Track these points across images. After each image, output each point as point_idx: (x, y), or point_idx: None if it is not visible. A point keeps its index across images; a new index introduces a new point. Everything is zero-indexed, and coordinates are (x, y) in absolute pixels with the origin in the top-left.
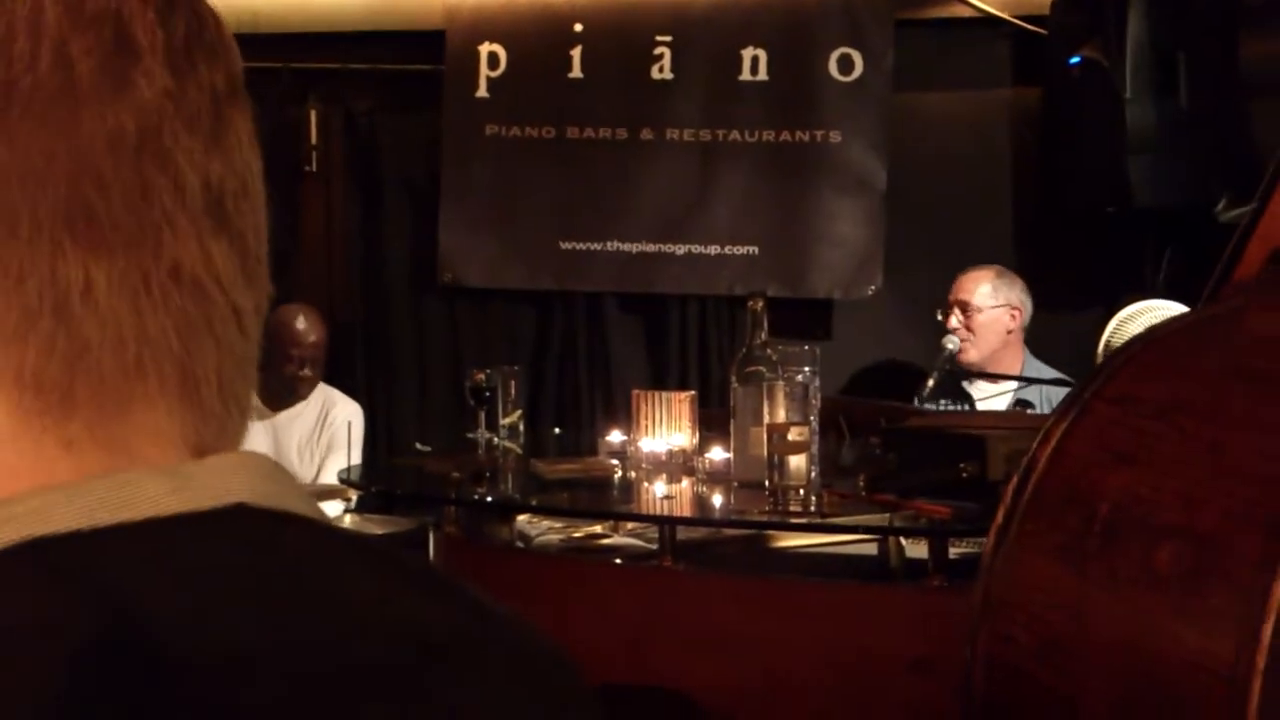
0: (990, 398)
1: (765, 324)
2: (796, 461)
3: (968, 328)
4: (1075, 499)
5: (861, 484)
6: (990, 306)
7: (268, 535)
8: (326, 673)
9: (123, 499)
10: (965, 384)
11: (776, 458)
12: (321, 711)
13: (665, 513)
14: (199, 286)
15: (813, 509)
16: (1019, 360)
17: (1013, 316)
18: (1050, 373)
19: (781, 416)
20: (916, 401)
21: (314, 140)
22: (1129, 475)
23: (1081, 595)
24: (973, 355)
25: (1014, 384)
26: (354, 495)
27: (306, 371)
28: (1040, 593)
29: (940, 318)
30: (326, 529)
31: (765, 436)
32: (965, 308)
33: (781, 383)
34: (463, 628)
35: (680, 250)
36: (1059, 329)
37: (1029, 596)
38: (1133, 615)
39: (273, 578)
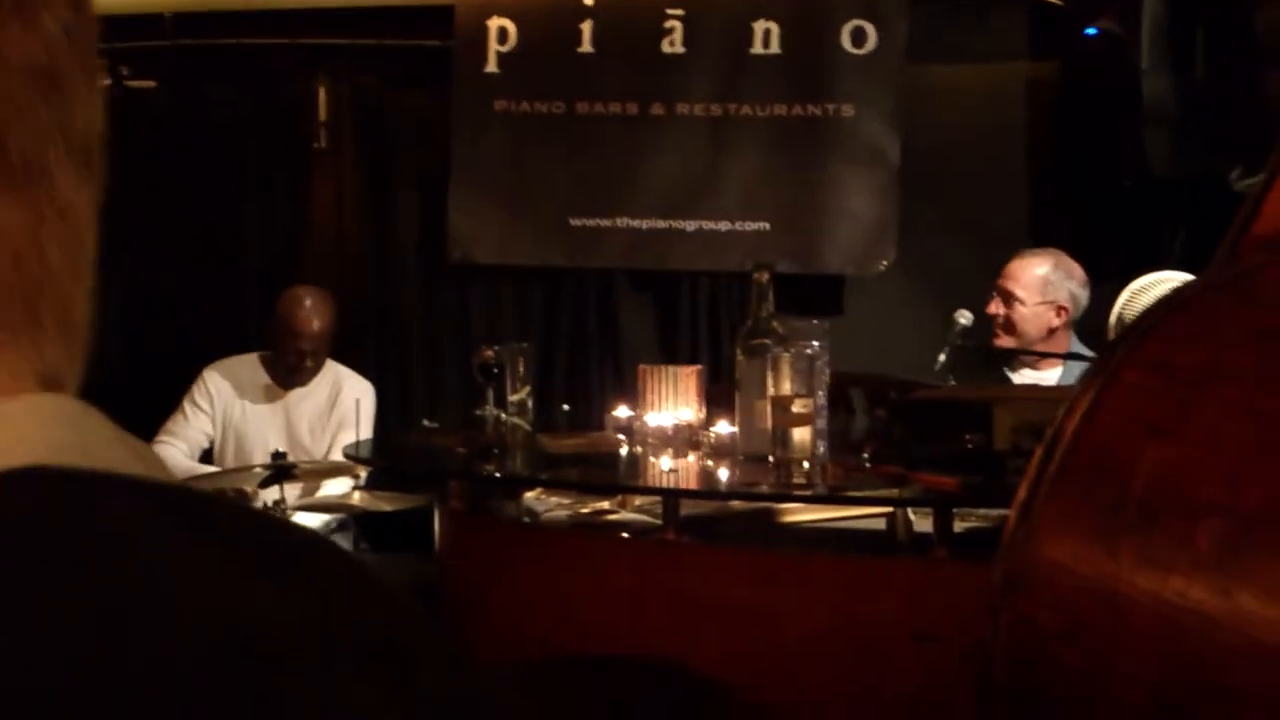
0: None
1: (771, 296)
2: (800, 434)
3: (1007, 317)
4: (1105, 474)
5: (867, 457)
6: (1035, 303)
7: (60, 504)
8: (96, 686)
9: None
10: (1007, 370)
11: (780, 430)
12: None
13: (668, 486)
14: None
15: (816, 482)
16: (1065, 349)
17: (1059, 314)
18: (1083, 353)
19: (786, 389)
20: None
21: (323, 117)
22: (1165, 449)
23: (1114, 575)
24: (1008, 345)
25: (1060, 368)
26: (363, 472)
27: (309, 363)
28: (1068, 573)
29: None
30: (142, 489)
31: (769, 409)
32: (1009, 298)
33: (786, 355)
34: (300, 616)
35: (691, 226)
36: None
37: (1055, 576)
38: (1172, 596)
39: (49, 560)
